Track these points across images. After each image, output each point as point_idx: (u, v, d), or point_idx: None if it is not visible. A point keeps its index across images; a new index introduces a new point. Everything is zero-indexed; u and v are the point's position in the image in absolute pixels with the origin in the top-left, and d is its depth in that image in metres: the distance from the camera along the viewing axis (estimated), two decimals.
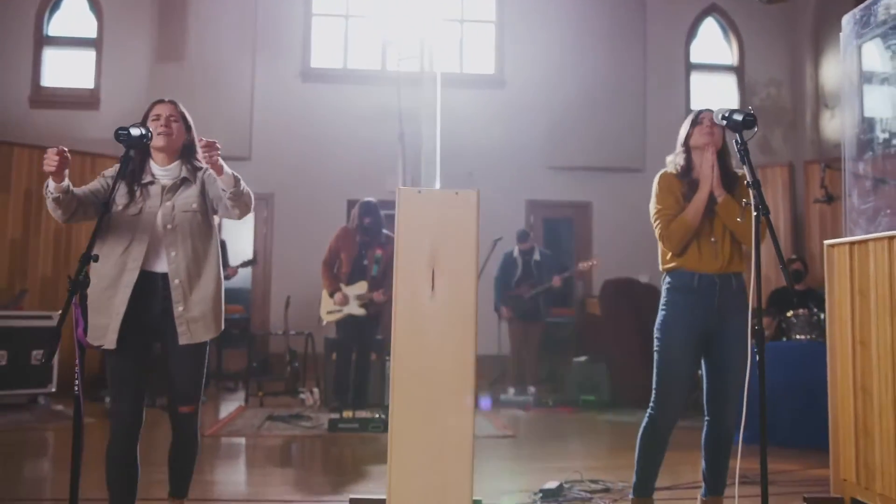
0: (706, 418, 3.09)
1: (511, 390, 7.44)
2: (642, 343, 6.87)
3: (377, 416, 5.56)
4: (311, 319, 8.37)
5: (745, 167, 2.57)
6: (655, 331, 3.07)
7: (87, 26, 9.34)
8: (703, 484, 3.15)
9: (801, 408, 5.02)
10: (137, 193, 2.74)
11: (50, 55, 9.32)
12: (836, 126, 8.99)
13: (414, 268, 2.05)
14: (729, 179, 3.06)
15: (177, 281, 2.73)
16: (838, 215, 6.93)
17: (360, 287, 6.02)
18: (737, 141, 2.61)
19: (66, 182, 2.58)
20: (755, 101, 10.07)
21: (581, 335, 8.65)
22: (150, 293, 2.73)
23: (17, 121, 8.81)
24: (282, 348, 7.56)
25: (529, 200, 10.00)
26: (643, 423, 3.07)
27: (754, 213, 2.53)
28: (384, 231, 6.19)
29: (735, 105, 10.07)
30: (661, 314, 3.08)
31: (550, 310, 8.04)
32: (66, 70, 9.34)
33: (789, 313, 5.92)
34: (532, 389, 7.49)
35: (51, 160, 2.48)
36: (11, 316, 6.04)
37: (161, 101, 2.86)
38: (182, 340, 2.74)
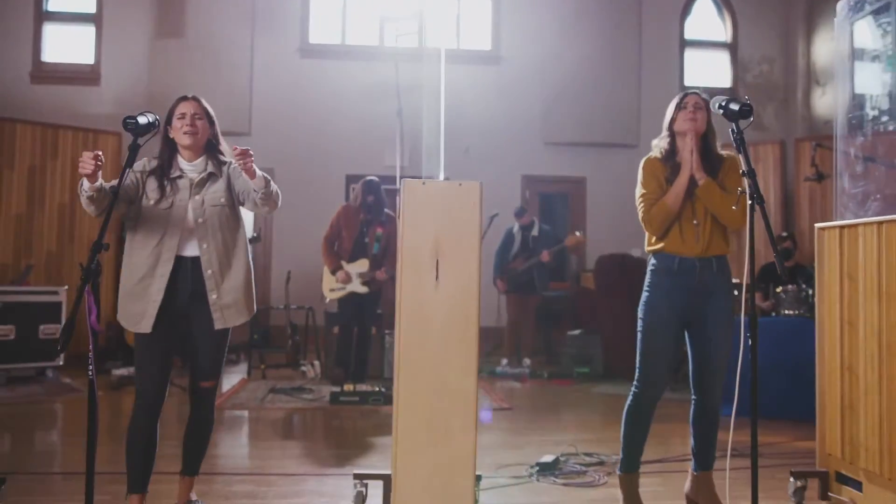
0: (693, 396, 3.14)
1: (504, 361, 7.53)
2: (635, 317, 6.96)
3: (377, 389, 5.62)
4: (312, 294, 8.41)
5: (740, 156, 2.58)
6: (639, 311, 3.10)
7: (87, 1, 9.23)
8: (692, 459, 3.21)
9: (789, 382, 5.10)
10: (168, 188, 2.80)
11: (50, 30, 9.21)
12: (827, 103, 8.98)
13: (419, 257, 2.07)
14: (711, 162, 3.06)
15: (209, 271, 2.81)
16: (828, 193, 6.96)
17: (362, 265, 6.05)
18: (733, 130, 2.62)
19: (100, 181, 2.61)
20: (748, 78, 10.05)
21: (576, 308, 8.71)
22: (182, 277, 2.80)
23: (18, 97, 8.74)
24: (282, 321, 7.61)
25: (525, 175, 10.00)
26: (628, 402, 3.11)
27: (749, 203, 2.54)
28: (386, 210, 6.21)
29: (728, 82, 10.07)
30: (644, 295, 3.11)
31: (549, 284, 8.08)
32: (66, 45, 9.24)
33: (779, 289, 5.98)
34: (527, 361, 7.57)
35: (87, 164, 2.51)
36: (18, 291, 6.07)
37: (185, 99, 2.89)
38: (217, 326, 2.83)
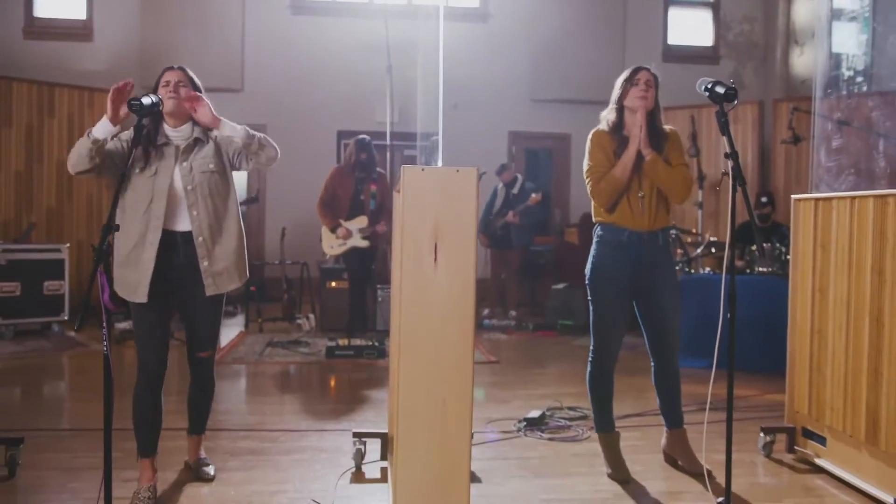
0: (652, 363, 3.22)
1: (486, 311, 7.66)
2: None
3: (372, 343, 5.70)
4: (306, 249, 8.44)
5: (724, 138, 2.60)
6: (587, 280, 3.15)
7: None
8: (663, 418, 3.31)
9: (761, 337, 5.22)
10: (153, 155, 2.76)
11: None
12: (805, 62, 8.96)
13: (418, 240, 2.11)
14: (658, 138, 3.08)
15: (200, 238, 2.79)
16: (804, 155, 7.01)
17: (361, 221, 6.07)
18: (718, 112, 2.64)
19: (116, 128, 2.61)
20: (729, 37, 9.98)
21: (560, 262, 8.79)
22: (172, 250, 2.79)
23: (12, 54, 8.55)
24: (277, 274, 7.64)
25: (512, 132, 9.97)
26: (588, 368, 3.20)
27: (731, 185, 2.58)
28: (378, 168, 6.21)
29: (710, 40, 9.99)
30: (590, 265, 3.14)
31: (533, 238, 8.14)
32: (58, 1, 9.01)
33: (753, 248, 6.05)
34: (513, 313, 7.69)
35: (115, 98, 2.56)
36: (22, 249, 6.05)
37: (170, 69, 2.86)
38: (209, 292, 2.83)
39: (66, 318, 6.28)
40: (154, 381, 2.81)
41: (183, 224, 2.80)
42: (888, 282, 2.85)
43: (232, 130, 2.76)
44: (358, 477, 3.12)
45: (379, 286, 6.96)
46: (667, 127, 3.16)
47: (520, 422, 3.89)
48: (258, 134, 2.82)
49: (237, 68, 9.25)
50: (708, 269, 6.50)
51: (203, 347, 2.97)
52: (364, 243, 6.07)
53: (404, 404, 2.15)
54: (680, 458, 3.25)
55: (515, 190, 7.72)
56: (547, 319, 7.32)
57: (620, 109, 3.11)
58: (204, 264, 2.80)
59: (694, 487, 3.06)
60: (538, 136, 10.09)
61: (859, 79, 6.00)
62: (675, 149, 3.12)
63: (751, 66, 9.97)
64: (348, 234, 6.03)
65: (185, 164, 2.80)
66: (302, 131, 9.47)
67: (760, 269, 5.95)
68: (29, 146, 7.37)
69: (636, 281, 3.09)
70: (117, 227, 2.33)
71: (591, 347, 3.19)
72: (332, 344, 5.69)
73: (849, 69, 6.09)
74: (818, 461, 3.27)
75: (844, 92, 5.81)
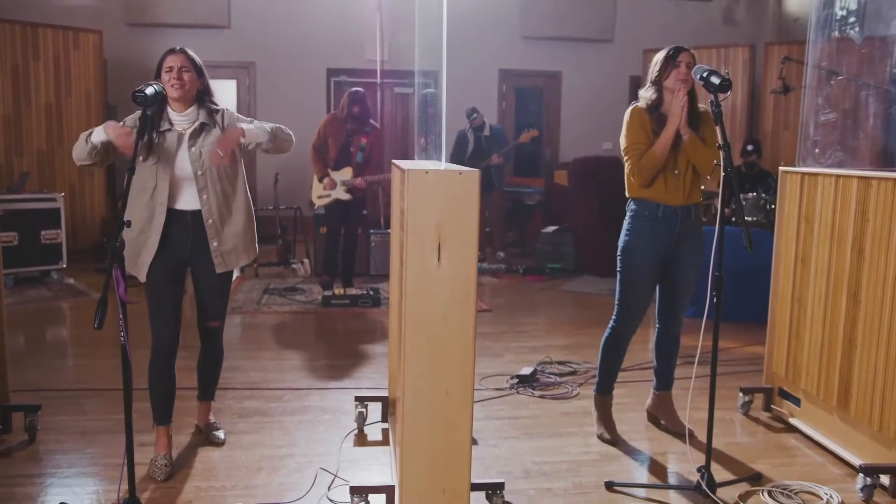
0: (657, 325, 3.36)
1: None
2: (605, 217, 7.16)
3: (366, 292, 5.82)
4: (299, 194, 8.45)
5: (717, 129, 2.66)
6: (619, 252, 3.23)
7: None
8: (654, 379, 3.48)
9: (744, 287, 5.38)
10: (156, 141, 2.79)
11: None
12: (798, 0, 8.84)
13: (422, 239, 2.19)
14: (694, 118, 3.13)
15: (210, 221, 2.87)
16: (792, 103, 7.03)
17: (346, 173, 6.08)
18: (712, 101, 2.68)
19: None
20: None
21: (549, 204, 8.88)
22: (182, 229, 2.86)
23: None
24: (270, 220, 7.68)
25: (502, 70, 9.86)
26: (606, 333, 3.31)
27: (722, 174, 2.65)
28: (371, 121, 6.19)
29: None
30: (624, 238, 3.21)
31: (504, 180, 8.18)
32: None
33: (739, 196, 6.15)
34: (500, 255, 7.83)
35: (123, 140, 2.64)
36: (18, 199, 6.06)
37: (172, 52, 2.85)
38: (218, 270, 2.92)
39: (64, 265, 6.35)
40: (168, 354, 2.91)
41: (192, 203, 2.86)
42: (867, 260, 2.97)
43: (256, 136, 2.84)
44: (360, 439, 3.29)
45: (372, 231, 7.04)
46: (701, 106, 3.19)
47: (512, 378, 4.06)
48: (275, 127, 2.91)
49: (224, 4, 9.00)
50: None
51: (212, 318, 3.07)
52: (346, 196, 6.08)
53: (409, 392, 2.27)
54: (664, 418, 3.43)
55: (486, 132, 7.72)
56: (537, 263, 7.46)
57: (660, 89, 3.12)
58: (214, 244, 2.88)
59: (676, 448, 3.25)
60: (529, 74, 9.99)
61: (852, 19, 5.96)
62: (709, 127, 3.15)
63: (744, 2, 9.83)
64: (333, 185, 6.05)
65: (193, 149, 2.83)
66: (291, 70, 9.33)
67: (747, 218, 6.06)
68: (16, 89, 7.25)
69: (666, 255, 3.17)
70: (129, 223, 2.39)
71: (615, 315, 3.27)
72: (328, 294, 5.81)
73: (842, 8, 6.03)
74: (792, 420, 3.47)
75: (837, 32, 5.77)
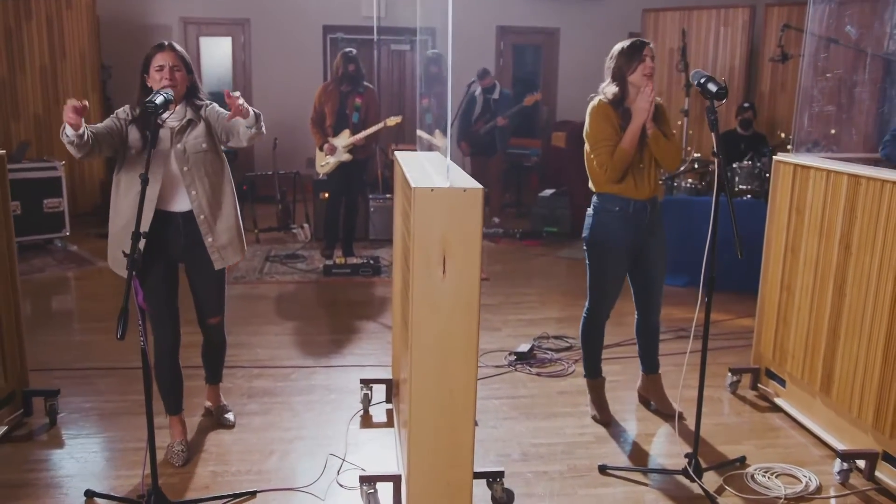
0: (636, 315, 3.49)
1: None
2: None
3: (366, 261, 5.94)
4: (296, 156, 8.48)
5: (713, 136, 2.73)
6: (586, 246, 3.30)
7: None
8: (640, 363, 3.62)
9: (736, 258, 5.51)
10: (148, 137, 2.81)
11: None
12: None
13: (428, 253, 2.29)
14: (657, 113, 3.19)
15: (202, 217, 2.91)
16: (789, 70, 7.04)
17: (344, 136, 6.12)
18: (708, 109, 2.75)
19: (83, 128, 2.63)
20: None
21: (545, 167, 8.92)
22: (173, 231, 2.90)
23: None
24: (267, 180, 7.73)
25: (500, 26, 9.77)
26: (582, 320, 3.44)
27: (716, 184, 2.73)
28: (364, 82, 6.20)
29: None
30: (589, 231, 3.28)
31: (508, 143, 8.22)
32: None
33: (735, 164, 6.22)
34: (496, 220, 7.92)
35: (69, 116, 2.55)
36: (19, 169, 6.08)
37: (161, 49, 2.84)
38: (217, 266, 2.98)
39: (67, 233, 6.44)
40: (171, 352, 2.99)
41: (182, 204, 2.89)
42: (853, 255, 3.09)
43: (247, 110, 2.76)
44: (366, 421, 3.46)
45: (371, 196, 7.12)
46: (657, 99, 3.25)
47: (510, 355, 4.22)
48: (261, 119, 2.86)
49: None
50: (690, 181, 6.68)
51: (212, 314, 3.15)
52: (347, 157, 6.11)
53: (416, 393, 2.41)
54: (654, 399, 3.60)
55: (495, 95, 7.72)
56: (533, 227, 7.56)
57: (623, 83, 3.15)
58: (209, 240, 2.93)
59: (666, 430, 3.42)
60: (526, 31, 9.90)
61: None
62: (666, 121, 3.24)
63: None
64: (332, 150, 6.09)
65: (178, 145, 2.85)
66: (286, 27, 9.23)
67: (741, 186, 6.15)
68: (9, 52, 7.20)
69: (637, 243, 3.27)
70: (146, 234, 2.47)
71: (588, 303, 3.40)
72: (329, 262, 5.93)
73: None
74: (777, 400, 3.64)
75: None
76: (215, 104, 3.02)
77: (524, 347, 4.25)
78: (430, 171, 2.68)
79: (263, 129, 2.89)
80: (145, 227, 2.77)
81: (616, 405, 3.61)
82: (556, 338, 4.55)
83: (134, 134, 2.84)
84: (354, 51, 6.15)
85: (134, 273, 2.39)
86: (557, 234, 7.41)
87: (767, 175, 6.04)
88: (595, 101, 3.22)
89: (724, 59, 7.93)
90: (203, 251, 2.95)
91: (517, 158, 8.79)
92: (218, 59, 9.45)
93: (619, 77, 3.15)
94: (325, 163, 6.18)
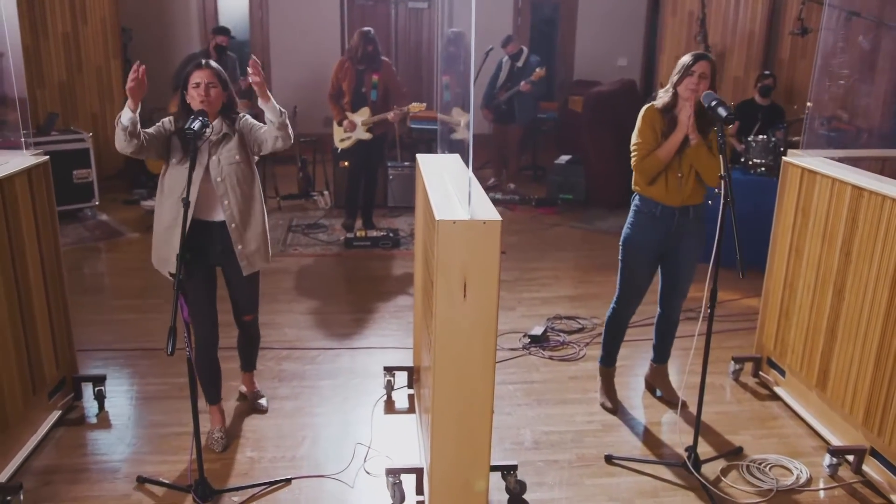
0: (659, 309, 3.69)
1: (490, 180, 8.08)
2: (618, 151, 7.28)
3: (386, 234, 6.15)
4: (315, 122, 8.59)
5: (720, 158, 2.86)
6: (620, 243, 3.50)
7: None
8: (652, 352, 3.85)
9: (746, 233, 5.65)
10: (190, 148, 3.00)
11: None
12: None
13: (450, 278, 2.49)
14: (705, 121, 3.27)
15: (233, 225, 3.11)
16: (810, 39, 7.00)
17: (363, 113, 6.24)
18: (717, 131, 2.88)
19: (137, 115, 2.82)
20: None
21: (562, 131, 8.99)
22: (209, 239, 3.12)
23: None
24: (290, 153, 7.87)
25: None
26: (609, 313, 3.65)
27: (721, 203, 2.88)
28: (382, 58, 6.28)
29: None
30: (626, 230, 3.48)
31: (535, 114, 8.29)
32: None
33: (750, 138, 6.30)
34: (512, 186, 8.06)
35: (131, 85, 2.75)
36: (48, 141, 6.28)
37: (199, 67, 3.00)
38: (245, 272, 3.21)
39: (96, 203, 6.68)
40: (211, 348, 3.24)
41: (217, 215, 3.10)
42: (853, 263, 3.25)
43: (274, 107, 2.96)
44: (389, 406, 3.72)
45: (389, 164, 7.27)
46: (721, 111, 3.34)
47: (524, 337, 4.45)
48: (286, 120, 3.04)
49: None
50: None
51: (246, 312, 3.41)
52: (367, 136, 6.25)
53: (437, 405, 2.65)
54: (660, 388, 3.84)
55: (520, 63, 7.76)
56: (549, 194, 7.70)
57: (675, 93, 3.25)
58: (238, 248, 3.14)
59: (669, 418, 3.67)
60: None
61: None
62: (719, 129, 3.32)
63: None
64: (353, 126, 6.22)
65: (213, 157, 3.04)
66: None
67: (755, 160, 6.24)
68: (32, 18, 7.29)
69: (665, 249, 3.44)
70: (187, 256, 2.68)
71: (615, 298, 3.60)
72: (350, 235, 6.14)
73: None
74: (777, 389, 3.87)
75: None
76: (248, 116, 3.18)
77: (538, 330, 4.48)
78: (452, 191, 2.85)
79: (290, 132, 3.06)
80: (186, 228, 2.92)
81: (623, 391, 3.85)
82: (569, 318, 4.77)
83: (175, 143, 3.02)
84: (373, 30, 6.21)
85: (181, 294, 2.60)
86: (572, 201, 7.55)
87: (782, 149, 6.13)
88: (646, 106, 3.34)
89: (743, 23, 7.88)
90: (235, 257, 3.17)
91: (536, 123, 8.86)
92: (236, 19, 9.48)
93: (673, 87, 3.26)
94: (344, 138, 6.31)
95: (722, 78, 7.91)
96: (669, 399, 3.78)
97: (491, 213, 2.56)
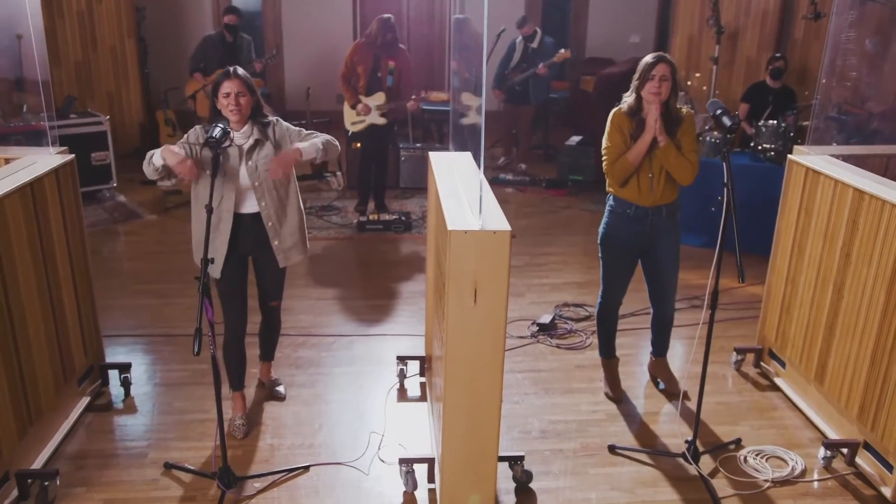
0: (651, 308, 3.81)
1: (501, 160, 8.16)
2: None
3: (398, 217, 6.27)
4: (328, 96, 8.64)
5: (724, 165, 2.95)
6: (599, 241, 3.65)
7: None
8: (651, 346, 3.98)
9: (753, 220, 5.74)
10: (220, 157, 3.14)
11: None
12: None
13: (462, 286, 2.62)
14: (672, 120, 3.37)
15: (269, 223, 3.28)
16: (823, 24, 6.98)
17: (378, 98, 6.32)
18: (721, 142, 2.96)
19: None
20: None
21: (574, 111, 9.02)
22: (245, 230, 3.28)
23: None
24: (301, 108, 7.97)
25: None
26: (597, 305, 3.80)
27: (724, 209, 2.98)
28: (400, 45, 6.33)
29: None
30: (602, 230, 3.63)
31: (548, 95, 8.32)
32: None
33: (761, 123, 6.33)
34: (523, 167, 8.14)
35: (183, 169, 3.04)
36: (67, 125, 6.40)
37: (228, 77, 3.12)
38: (281, 265, 3.39)
39: (114, 185, 6.83)
40: (240, 335, 3.43)
41: (250, 207, 3.26)
42: (853, 264, 3.36)
43: (309, 154, 3.19)
44: (402, 394, 3.89)
45: (401, 145, 7.36)
46: (683, 108, 3.45)
47: (532, 325, 4.59)
48: (325, 141, 3.26)
49: None
50: (717, 134, 6.80)
51: (273, 298, 3.58)
52: (381, 120, 6.33)
53: (449, 403, 2.80)
54: (661, 379, 3.98)
55: (535, 44, 7.78)
56: (559, 175, 7.78)
57: (639, 95, 3.38)
58: (275, 243, 3.33)
59: (671, 409, 3.81)
60: None
61: None
62: (688, 133, 3.43)
63: None
64: (367, 110, 6.30)
65: (250, 163, 3.19)
66: None
67: (765, 145, 6.28)
68: (48, 0, 7.38)
69: (641, 245, 3.57)
70: (212, 260, 2.83)
71: (601, 292, 3.75)
72: (363, 219, 6.27)
73: None
74: (777, 380, 4.00)
75: None
76: (282, 121, 3.32)
77: (546, 318, 4.62)
78: (463, 196, 2.96)
79: (330, 148, 3.29)
80: (226, 234, 3.22)
81: (627, 381, 4.00)
82: (577, 305, 4.90)
83: (206, 154, 3.14)
84: (393, 18, 6.25)
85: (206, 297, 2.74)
86: (582, 182, 7.63)
87: (792, 134, 6.18)
88: (614, 110, 3.45)
89: (757, 2, 7.84)
90: (269, 249, 3.34)
91: (548, 103, 8.90)
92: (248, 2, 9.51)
93: (636, 91, 3.36)
94: (356, 121, 6.40)
95: (735, 58, 7.92)
96: (671, 390, 3.92)
97: (501, 221, 2.69)
